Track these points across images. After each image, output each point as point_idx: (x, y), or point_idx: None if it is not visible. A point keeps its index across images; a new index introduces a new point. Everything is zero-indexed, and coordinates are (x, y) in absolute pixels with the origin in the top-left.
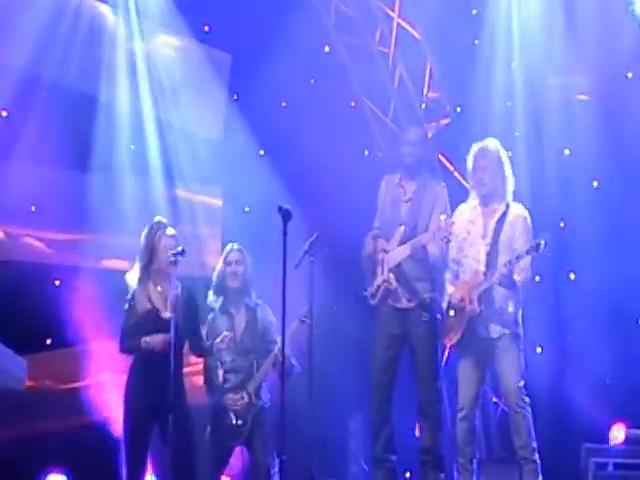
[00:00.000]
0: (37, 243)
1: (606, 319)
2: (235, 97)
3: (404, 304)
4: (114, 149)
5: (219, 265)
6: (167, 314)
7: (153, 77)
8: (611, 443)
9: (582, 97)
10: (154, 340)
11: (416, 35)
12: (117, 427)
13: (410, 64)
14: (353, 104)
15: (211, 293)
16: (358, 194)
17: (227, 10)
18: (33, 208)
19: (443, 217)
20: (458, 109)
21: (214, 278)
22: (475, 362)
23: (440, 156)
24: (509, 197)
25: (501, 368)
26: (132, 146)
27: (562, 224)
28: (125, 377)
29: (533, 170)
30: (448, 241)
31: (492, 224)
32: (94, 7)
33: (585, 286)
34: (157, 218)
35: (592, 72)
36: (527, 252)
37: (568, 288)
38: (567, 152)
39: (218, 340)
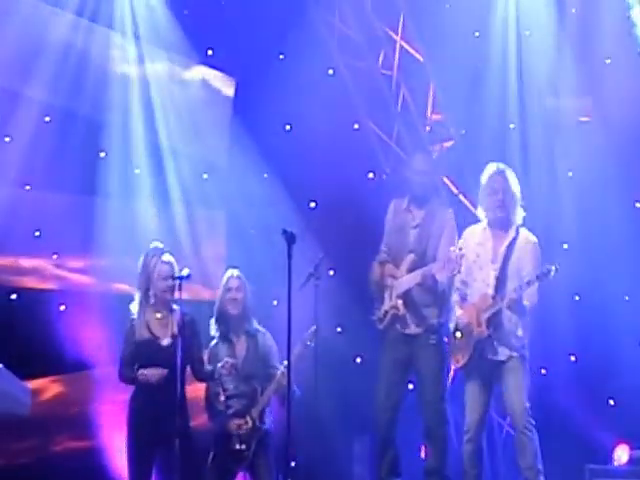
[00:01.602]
0: (42, 268)
1: (610, 340)
2: (239, 120)
3: (412, 330)
4: (118, 173)
5: (219, 292)
6: (167, 341)
7: (158, 101)
8: (615, 464)
9: (585, 119)
10: (150, 373)
11: (419, 58)
12: (121, 452)
13: (413, 87)
14: (357, 127)
15: (213, 321)
16: (362, 217)
17: (231, 34)
18: (37, 233)
19: (454, 249)
20: (462, 131)
21: (215, 305)
22: (482, 384)
23: (444, 179)
24: (519, 222)
25: (508, 390)
26: (137, 170)
27: (565, 246)
28: (128, 402)
29: (537, 192)
30: (458, 272)
31: (502, 249)
32: (101, 32)
33: (589, 307)
34: (153, 244)
35: (594, 94)
36: (538, 278)
37: (572, 309)
38: (570, 174)
39: (220, 365)
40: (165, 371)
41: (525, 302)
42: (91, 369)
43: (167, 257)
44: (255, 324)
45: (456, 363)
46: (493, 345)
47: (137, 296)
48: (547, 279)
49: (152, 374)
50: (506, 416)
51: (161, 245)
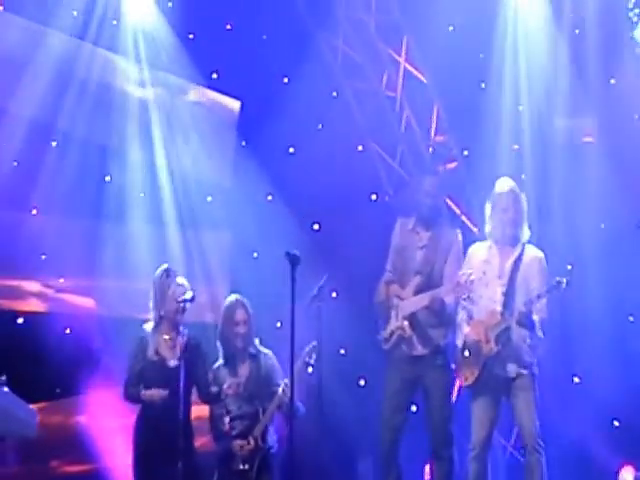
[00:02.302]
0: (47, 292)
1: (615, 359)
2: (243, 143)
3: (418, 351)
4: (124, 197)
5: (222, 318)
6: (173, 362)
7: (163, 124)
8: None
9: (588, 139)
10: (152, 394)
11: (423, 79)
12: (126, 474)
13: (417, 108)
14: (360, 148)
15: (218, 344)
16: (366, 238)
17: (235, 57)
18: (43, 257)
19: (462, 273)
20: (465, 152)
21: (219, 331)
22: (490, 402)
23: (447, 200)
24: (525, 239)
25: (518, 408)
26: (142, 194)
27: (569, 267)
28: (134, 423)
29: (540, 213)
30: (467, 298)
31: (509, 265)
32: (105, 56)
33: (594, 326)
34: (165, 266)
35: (598, 114)
36: (548, 291)
37: (577, 328)
38: (574, 194)
39: (226, 386)
40: (165, 392)
41: (534, 316)
42: (96, 392)
43: (181, 279)
44: (257, 345)
45: (465, 381)
46: (502, 362)
47: (151, 316)
48: (558, 292)
49: (154, 394)
50: (510, 437)
51: (172, 267)
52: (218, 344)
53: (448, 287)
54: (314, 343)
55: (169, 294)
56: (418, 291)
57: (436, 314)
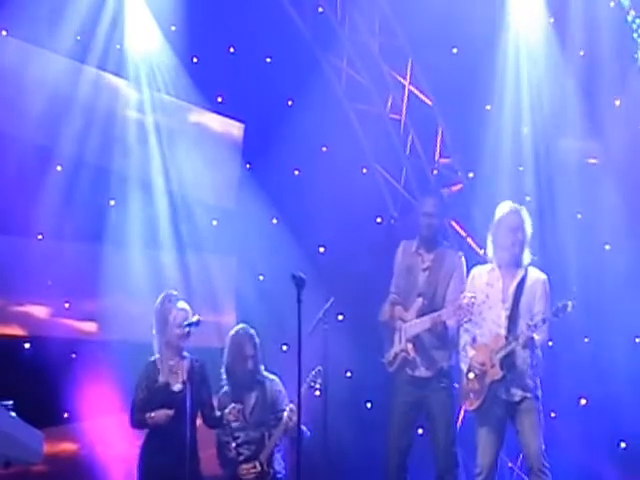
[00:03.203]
0: (53, 317)
1: (621, 381)
2: (248, 166)
3: (422, 373)
4: (128, 221)
5: (230, 352)
6: (177, 387)
7: (167, 148)
8: None
9: (593, 161)
10: (157, 415)
11: (427, 101)
12: None
13: (422, 130)
14: (365, 171)
15: (223, 371)
16: (371, 261)
17: (240, 80)
18: (49, 282)
19: (464, 296)
20: (470, 175)
21: (225, 360)
22: (495, 425)
23: (452, 222)
24: (527, 262)
25: (523, 431)
26: (146, 218)
27: (574, 288)
28: (140, 448)
29: (544, 234)
30: (469, 320)
31: (512, 288)
32: (109, 80)
33: (600, 348)
34: (168, 291)
35: (603, 135)
36: (554, 314)
37: (583, 352)
38: (579, 216)
39: (227, 411)
40: (171, 411)
41: (536, 337)
42: (102, 417)
43: (182, 304)
44: (263, 371)
45: (469, 405)
46: (507, 386)
47: (155, 341)
48: (563, 315)
49: (159, 415)
50: (517, 458)
51: (175, 292)
52: (223, 372)
53: (450, 310)
54: (319, 368)
55: (171, 320)
56: (421, 314)
57: (439, 336)
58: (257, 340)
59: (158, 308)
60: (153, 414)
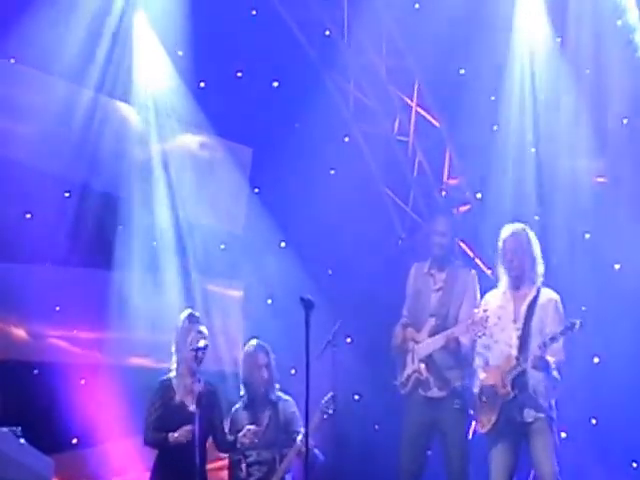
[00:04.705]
0: (62, 343)
1: (631, 402)
2: (256, 190)
3: (435, 393)
4: (136, 247)
5: (244, 363)
6: (193, 407)
7: (175, 173)
8: None
9: (601, 179)
10: (181, 434)
11: (435, 123)
12: None
13: (429, 152)
14: (373, 193)
15: (242, 386)
16: (380, 282)
17: (247, 104)
18: (57, 308)
19: (477, 311)
20: (478, 195)
21: (241, 374)
22: (509, 447)
23: (461, 243)
24: (539, 281)
25: (536, 452)
26: (154, 243)
27: (584, 308)
28: (151, 469)
29: (554, 254)
30: (483, 335)
31: (523, 308)
32: (117, 107)
33: (610, 367)
34: (189, 311)
35: (611, 154)
36: (562, 332)
37: (593, 372)
38: (588, 236)
39: (241, 435)
40: (190, 426)
41: (550, 358)
42: (112, 442)
43: (202, 328)
44: (277, 391)
45: (481, 428)
46: (519, 407)
47: (173, 359)
48: (572, 333)
49: (182, 434)
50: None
51: (197, 314)
52: (241, 387)
53: (463, 326)
54: (331, 394)
55: (188, 341)
56: (433, 333)
57: (452, 354)
58: (271, 352)
59: (179, 326)
60: (176, 434)
